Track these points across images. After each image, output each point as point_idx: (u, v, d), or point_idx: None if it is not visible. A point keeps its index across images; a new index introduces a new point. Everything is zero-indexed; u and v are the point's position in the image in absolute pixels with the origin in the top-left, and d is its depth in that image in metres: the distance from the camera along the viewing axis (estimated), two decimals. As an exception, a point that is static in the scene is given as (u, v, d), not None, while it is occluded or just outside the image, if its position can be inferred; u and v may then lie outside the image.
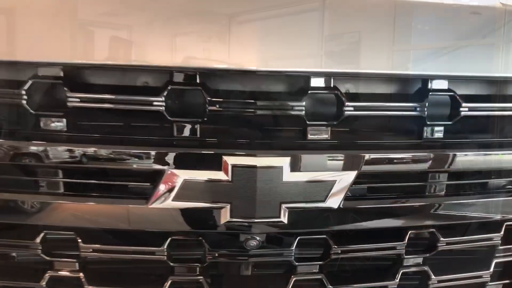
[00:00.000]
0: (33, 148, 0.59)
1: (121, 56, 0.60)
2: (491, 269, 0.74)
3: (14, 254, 0.66)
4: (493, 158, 0.70)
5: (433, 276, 0.71)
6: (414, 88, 0.68)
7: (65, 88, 0.59)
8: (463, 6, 0.80)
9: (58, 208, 0.62)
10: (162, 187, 0.59)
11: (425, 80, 0.66)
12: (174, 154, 0.59)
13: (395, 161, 0.65)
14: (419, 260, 0.71)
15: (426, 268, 0.71)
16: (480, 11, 0.78)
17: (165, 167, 0.59)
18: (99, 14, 0.63)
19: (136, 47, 0.61)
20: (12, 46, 0.60)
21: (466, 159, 0.67)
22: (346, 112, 0.62)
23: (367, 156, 0.62)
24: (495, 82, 0.72)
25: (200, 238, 0.63)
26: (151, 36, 0.61)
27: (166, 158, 0.59)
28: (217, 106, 0.60)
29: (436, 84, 0.66)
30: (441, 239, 0.70)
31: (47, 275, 0.63)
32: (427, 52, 0.68)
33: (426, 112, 0.65)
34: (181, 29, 0.62)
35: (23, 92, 0.59)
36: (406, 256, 0.69)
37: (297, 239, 0.65)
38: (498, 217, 0.73)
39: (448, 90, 0.67)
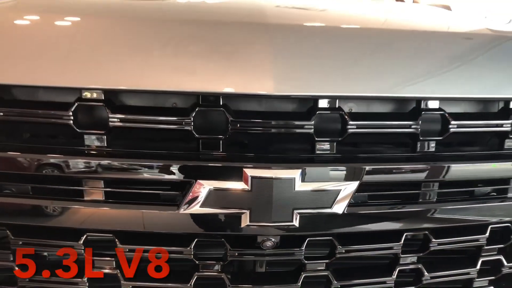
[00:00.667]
0: (80, 162, 0.68)
1: (153, 82, 0.70)
2: (478, 267, 0.83)
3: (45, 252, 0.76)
4: (479, 169, 0.79)
5: (426, 273, 0.80)
6: (409, 107, 0.77)
7: (106, 110, 0.68)
8: (456, 33, 0.90)
9: (98, 213, 0.72)
10: (190, 196, 0.68)
11: (418, 101, 0.76)
12: (201, 167, 0.69)
13: (392, 172, 0.74)
14: (414, 258, 0.80)
15: (420, 266, 0.80)
16: (471, 37, 0.87)
17: (193, 180, 0.68)
18: (132, 46, 0.72)
19: (167, 75, 0.70)
20: (60, 73, 0.70)
21: (455, 170, 0.76)
22: (349, 130, 0.72)
23: (367, 168, 0.72)
24: (481, 102, 0.82)
25: (222, 239, 0.72)
26: (179, 64, 0.71)
27: (194, 170, 0.69)
28: (238, 125, 0.69)
29: (428, 104, 0.76)
30: (433, 240, 0.79)
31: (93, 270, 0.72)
32: (421, 76, 0.77)
33: (419, 129, 0.75)
34: (205, 58, 0.71)
35: (70, 113, 0.68)
36: (402, 255, 0.78)
37: (306, 240, 0.74)
38: (483, 221, 0.82)
39: (439, 109, 0.76)
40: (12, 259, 0.73)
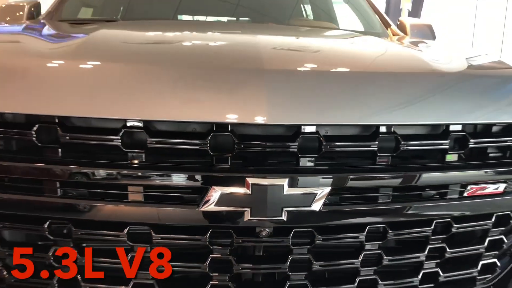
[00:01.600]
0: (126, 173, 0.93)
1: (179, 114, 0.95)
2: (426, 252, 1.08)
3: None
4: (424, 176, 1.04)
5: (385, 257, 1.05)
6: (370, 131, 1.02)
7: (146, 134, 0.93)
8: (407, 73, 1.15)
9: (139, 211, 0.97)
10: (207, 198, 0.93)
11: (377, 126, 1.01)
12: (214, 176, 0.94)
13: (356, 179, 0.99)
14: (375, 246, 1.05)
15: (380, 251, 1.05)
16: (418, 78, 1.13)
17: (209, 186, 0.93)
18: (163, 87, 0.98)
19: (189, 108, 0.95)
20: (111, 108, 0.95)
21: (404, 178, 1.01)
22: (323, 149, 0.97)
23: (337, 177, 0.97)
24: (428, 126, 1.07)
25: (230, 230, 0.97)
26: (198, 100, 0.96)
27: (209, 179, 0.94)
28: (242, 146, 0.94)
29: (384, 128, 1.01)
30: (389, 231, 1.04)
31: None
32: (379, 108, 1.02)
33: (377, 147, 1.00)
34: (218, 96, 0.96)
35: (119, 137, 0.93)
36: (366, 243, 1.03)
37: (293, 231, 0.99)
38: (429, 216, 1.07)
39: (393, 132, 1.01)
40: (72, 245, 0.98)
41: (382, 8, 8.35)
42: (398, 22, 2.54)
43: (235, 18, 2.53)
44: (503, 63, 1.34)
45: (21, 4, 2.31)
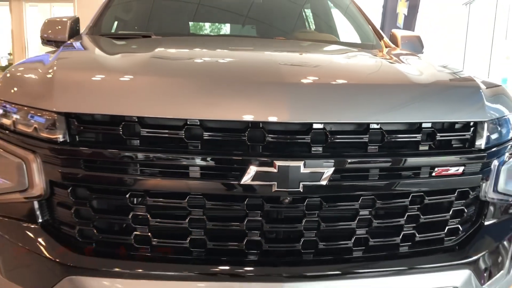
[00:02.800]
0: (188, 158, 1.30)
1: (225, 115, 1.32)
2: (405, 218, 1.45)
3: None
4: (402, 161, 1.41)
5: (374, 221, 1.42)
6: (363, 127, 1.39)
7: (201, 130, 1.30)
8: (391, 85, 1.52)
9: (197, 184, 1.34)
10: (246, 174, 1.29)
11: (368, 124, 1.38)
12: (251, 159, 1.31)
13: (352, 163, 1.36)
14: (367, 212, 1.42)
15: (370, 216, 1.42)
16: (400, 88, 1.50)
17: (251, 168, 1.30)
18: (213, 96, 1.34)
19: (232, 111, 1.32)
20: (176, 109, 1.32)
21: (388, 162, 1.39)
22: (329, 140, 1.34)
23: (337, 161, 1.34)
24: (405, 123, 1.44)
25: (261, 198, 1.34)
26: (239, 106, 1.33)
27: (248, 161, 1.30)
28: (269, 138, 1.31)
29: (373, 126, 1.38)
30: (377, 201, 1.41)
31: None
32: (370, 110, 1.39)
33: (367, 139, 1.37)
34: (254, 104, 1.33)
35: (182, 131, 1.30)
36: (360, 210, 1.40)
37: (306, 200, 1.36)
38: (406, 190, 1.44)
39: (379, 128, 1.38)
40: (145, 211, 1.35)
41: (379, 11, 8.72)
42: (391, 34, 2.91)
43: (249, 28, 2.91)
44: (467, 77, 1.72)
45: (63, 19, 2.66)
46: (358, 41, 2.84)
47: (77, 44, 2.09)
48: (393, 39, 2.81)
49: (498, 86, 1.75)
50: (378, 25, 8.66)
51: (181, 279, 1.33)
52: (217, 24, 3.20)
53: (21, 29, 8.11)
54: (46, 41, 2.69)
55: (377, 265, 1.42)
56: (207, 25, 3.28)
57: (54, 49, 2.72)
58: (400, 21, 8.65)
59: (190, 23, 3.12)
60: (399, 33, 2.86)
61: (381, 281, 1.41)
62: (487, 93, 1.60)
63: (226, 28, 3.09)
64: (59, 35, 2.61)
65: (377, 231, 1.46)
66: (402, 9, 8.61)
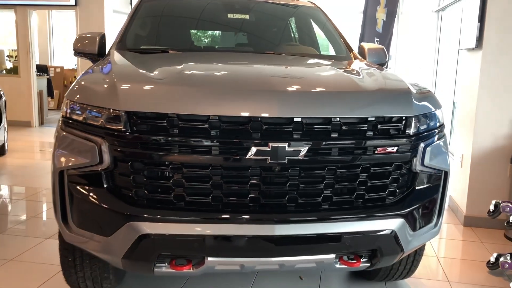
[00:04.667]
0: (209, 140, 1.96)
1: (235, 112, 1.97)
2: (357, 182, 2.11)
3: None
4: (354, 142, 2.07)
5: (336, 183, 2.08)
6: (328, 120, 2.04)
7: (219, 122, 1.96)
8: (349, 91, 2.20)
9: (217, 159, 1.98)
10: (250, 152, 1.95)
11: (331, 118, 2.04)
12: (253, 142, 1.96)
13: (319, 144, 2.02)
14: (331, 177, 2.08)
15: (333, 181, 2.07)
16: (358, 94, 2.18)
17: (253, 148, 1.95)
18: (233, 102, 2.01)
19: (240, 108, 1.98)
20: (200, 108, 1.97)
21: (343, 143, 2.05)
22: (304, 129, 2.00)
23: (310, 142, 2.00)
24: (357, 117, 2.10)
25: (259, 167, 1.99)
26: (243, 105, 1.99)
27: (251, 143, 1.95)
28: (265, 127, 1.97)
29: (334, 119, 2.04)
30: (338, 170, 2.07)
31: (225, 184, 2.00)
32: (334, 108, 2.06)
33: (330, 128, 2.03)
34: (253, 103, 1.99)
35: (206, 123, 1.95)
36: (326, 176, 2.06)
37: (289, 169, 2.02)
38: (357, 163, 2.10)
39: (338, 121, 2.05)
40: (181, 177, 2.00)
41: (359, 17, 9.41)
42: (359, 46, 3.59)
43: (246, 43, 3.58)
44: (403, 84, 2.39)
45: (91, 35, 3.27)
46: (333, 52, 3.52)
47: (117, 58, 2.71)
48: (361, 50, 3.48)
49: (427, 90, 2.44)
50: (359, 30, 9.34)
51: (205, 223, 1.99)
52: (219, 39, 3.85)
53: (26, 34, 8.64)
54: (77, 52, 3.29)
55: (338, 214, 2.09)
56: (212, 40, 3.94)
57: (85, 59, 3.35)
58: (379, 26, 9.38)
59: (198, 40, 3.78)
60: (366, 45, 3.52)
61: (341, 225, 2.08)
62: (417, 96, 2.29)
63: (228, 43, 3.75)
64: (89, 48, 3.21)
65: (338, 191, 2.12)
66: (381, 15, 9.32)
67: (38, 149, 7.49)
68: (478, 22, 3.96)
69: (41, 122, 9.39)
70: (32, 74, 8.96)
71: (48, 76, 10.37)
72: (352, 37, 9.43)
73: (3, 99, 6.36)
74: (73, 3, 8.47)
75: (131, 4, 9.38)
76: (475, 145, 4.13)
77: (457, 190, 4.56)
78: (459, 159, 4.49)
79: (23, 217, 4.16)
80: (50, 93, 10.64)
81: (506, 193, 4.02)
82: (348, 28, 11.04)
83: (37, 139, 8.19)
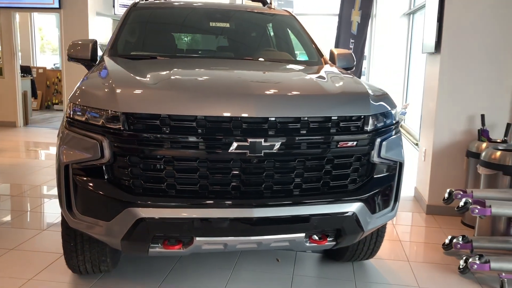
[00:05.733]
0: (196, 137, 2.30)
1: (218, 112, 2.31)
2: (322, 172, 2.48)
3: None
4: (319, 137, 2.43)
5: (305, 173, 2.45)
6: (298, 119, 2.40)
7: (205, 121, 2.30)
8: (316, 94, 2.57)
9: (204, 153, 2.32)
10: (233, 146, 2.29)
11: (300, 117, 2.40)
12: (234, 138, 2.30)
13: (292, 140, 2.37)
14: (301, 167, 2.43)
15: (302, 170, 2.44)
16: (328, 97, 2.55)
17: (234, 143, 2.29)
18: (219, 108, 2.35)
19: (221, 110, 2.32)
20: (189, 109, 2.31)
21: (310, 138, 2.41)
22: (278, 126, 2.35)
23: (283, 138, 2.35)
24: (322, 116, 2.47)
25: (239, 159, 2.33)
26: (226, 106, 2.33)
27: (232, 138, 2.30)
28: (244, 125, 2.32)
29: (302, 118, 2.40)
30: (306, 161, 2.43)
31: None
32: (302, 109, 2.42)
33: (299, 125, 2.38)
34: (234, 105, 2.34)
35: (194, 122, 2.29)
36: (296, 166, 2.41)
37: (265, 161, 2.36)
38: (322, 155, 2.46)
39: (306, 120, 2.41)
40: (172, 169, 2.33)
41: (335, 19, 9.82)
42: (330, 51, 3.96)
43: (227, 49, 3.92)
44: (362, 86, 2.77)
45: (84, 42, 3.57)
46: (306, 57, 3.89)
47: (112, 65, 3.02)
48: (332, 56, 3.86)
49: (383, 92, 2.82)
50: (335, 32, 9.74)
51: (194, 207, 2.33)
52: (203, 46, 4.19)
53: (10, 36, 8.81)
54: (71, 57, 3.58)
55: (307, 199, 2.46)
56: (196, 46, 4.28)
57: (77, 63, 3.64)
58: (354, 28, 9.81)
59: (183, 46, 4.11)
60: (336, 51, 3.90)
61: (310, 208, 2.45)
62: (374, 97, 2.67)
63: (211, 49, 4.09)
64: (82, 54, 3.51)
65: (307, 179, 2.48)
66: (355, 18, 9.75)
67: (25, 149, 7.68)
68: (437, 29, 4.38)
69: (26, 123, 9.55)
70: (16, 75, 9.13)
71: (32, 77, 10.53)
72: (331, 39, 9.85)
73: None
74: (57, 6, 8.67)
75: (113, 6, 9.61)
76: (436, 140, 4.55)
77: (420, 182, 4.99)
78: (422, 153, 4.92)
79: (19, 211, 4.42)
80: (34, 94, 10.79)
81: (463, 184, 4.46)
82: (328, 30, 11.47)
83: (23, 138, 8.37)
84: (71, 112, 2.51)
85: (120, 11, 9.65)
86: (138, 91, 2.44)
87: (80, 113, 2.46)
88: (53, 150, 7.65)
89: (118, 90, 2.41)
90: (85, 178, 2.42)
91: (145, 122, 2.33)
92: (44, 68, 12.17)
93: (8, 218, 4.20)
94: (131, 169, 2.35)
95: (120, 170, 2.37)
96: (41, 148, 7.74)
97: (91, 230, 2.48)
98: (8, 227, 3.96)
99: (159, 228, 2.36)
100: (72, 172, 2.44)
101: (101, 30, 9.64)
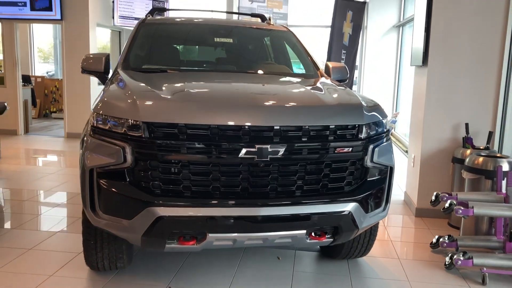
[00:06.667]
0: (209, 144, 2.58)
1: (229, 121, 2.60)
2: (322, 175, 2.77)
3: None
4: (319, 144, 2.73)
5: (306, 176, 2.73)
6: (300, 127, 2.69)
7: (218, 129, 2.58)
8: (316, 105, 2.87)
9: (216, 159, 2.60)
10: (242, 151, 2.59)
11: (302, 126, 2.69)
12: (243, 144, 2.59)
13: (292, 146, 2.66)
14: (303, 171, 2.71)
15: (304, 174, 2.72)
16: (321, 108, 2.85)
17: (243, 149, 2.58)
18: (227, 116, 2.64)
19: (232, 119, 2.61)
20: (202, 119, 2.59)
21: (311, 145, 2.70)
22: (282, 134, 2.64)
23: (286, 144, 2.64)
24: (321, 125, 2.76)
25: (248, 164, 2.61)
26: (235, 117, 2.62)
27: (241, 145, 2.58)
28: (252, 133, 2.61)
29: (304, 127, 2.69)
30: (307, 165, 2.72)
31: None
32: (303, 118, 2.71)
33: (301, 133, 2.68)
34: (242, 116, 2.62)
35: (208, 131, 2.58)
36: (298, 170, 2.70)
37: (271, 165, 2.65)
38: (322, 160, 2.75)
39: (307, 128, 2.69)
40: (187, 171, 2.61)
41: (327, 30, 10.17)
42: (325, 64, 4.27)
43: (228, 61, 4.22)
44: (356, 98, 3.07)
45: (97, 56, 3.85)
46: (303, 70, 4.20)
47: (129, 78, 3.29)
48: (327, 68, 4.17)
49: (375, 103, 3.13)
50: (327, 42, 10.08)
51: (207, 207, 2.61)
52: (209, 60, 4.49)
53: (12, 46, 9.05)
54: (84, 70, 3.86)
55: (307, 199, 2.74)
56: (202, 60, 4.58)
57: (89, 75, 3.90)
58: (346, 39, 10.19)
59: (189, 60, 4.41)
60: (331, 64, 4.21)
61: (310, 207, 2.73)
62: (367, 108, 2.97)
63: (216, 63, 4.38)
64: (96, 67, 3.79)
65: (308, 181, 2.77)
66: (347, 29, 10.12)
67: (28, 156, 7.90)
68: (424, 44, 4.72)
69: (26, 131, 9.76)
70: (18, 85, 9.35)
71: (32, 86, 10.74)
72: (324, 50, 10.20)
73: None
74: (59, 18, 8.93)
75: (113, 18, 9.89)
76: (424, 147, 4.87)
77: (410, 186, 5.30)
78: (411, 160, 5.23)
79: (32, 215, 4.66)
80: (33, 102, 11.00)
81: (449, 187, 4.78)
82: (322, 41, 11.83)
83: (25, 146, 8.58)
84: (95, 122, 2.78)
85: (120, 23, 9.94)
86: (157, 103, 2.72)
87: (103, 122, 2.74)
88: (55, 158, 7.88)
89: (139, 102, 2.69)
90: (108, 181, 2.69)
91: (164, 130, 2.60)
92: (43, 77, 12.39)
93: (22, 221, 4.44)
94: (151, 172, 2.62)
95: (141, 173, 2.64)
96: (44, 155, 7.96)
97: (113, 228, 2.75)
98: (23, 229, 4.19)
99: (176, 225, 2.63)
100: (97, 175, 2.70)
101: (101, 40, 9.90)
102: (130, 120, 2.63)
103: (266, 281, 3.33)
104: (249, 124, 2.60)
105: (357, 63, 10.48)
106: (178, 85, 3.10)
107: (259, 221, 2.64)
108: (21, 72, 9.56)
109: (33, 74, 12.68)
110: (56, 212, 4.74)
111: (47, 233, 4.09)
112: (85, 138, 2.88)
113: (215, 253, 3.71)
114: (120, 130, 2.66)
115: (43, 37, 15.31)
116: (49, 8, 8.86)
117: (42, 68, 14.77)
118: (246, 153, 2.58)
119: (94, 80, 9.04)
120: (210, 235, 2.66)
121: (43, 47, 16.15)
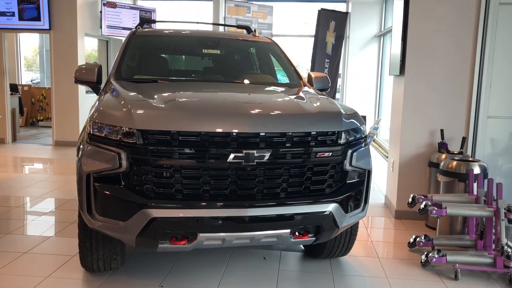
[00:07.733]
0: (199, 149, 2.78)
1: (217, 128, 2.80)
2: (304, 177, 2.99)
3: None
4: (301, 149, 2.94)
5: (290, 179, 2.94)
6: (284, 134, 2.91)
7: (207, 136, 2.78)
8: (298, 113, 3.10)
9: (205, 163, 2.80)
10: (231, 156, 2.78)
11: (286, 132, 2.91)
12: (231, 149, 2.79)
13: (278, 151, 2.87)
14: (287, 174, 2.93)
15: (287, 177, 2.93)
16: (309, 116, 3.07)
17: (231, 154, 2.78)
18: (215, 125, 2.84)
19: (220, 127, 2.81)
20: (193, 126, 2.79)
21: (294, 150, 2.92)
22: (267, 140, 2.85)
23: (272, 150, 2.85)
24: (303, 132, 2.98)
25: (236, 168, 2.81)
26: (224, 124, 2.83)
27: (229, 150, 2.78)
28: (240, 139, 2.81)
29: (288, 133, 2.91)
30: (291, 169, 2.93)
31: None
32: (286, 125, 2.93)
33: (285, 139, 2.89)
34: (230, 124, 2.83)
35: (198, 137, 2.77)
36: (283, 173, 2.91)
37: (257, 169, 2.85)
38: (304, 164, 2.96)
39: (290, 134, 2.91)
40: (179, 175, 2.80)
41: (311, 40, 10.45)
42: (308, 74, 4.51)
43: (215, 71, 4.43)
44: (335, 106, 3.30)
45: (90, 66, 4.03)
46: (287, 80, 4.42)
47: (122, 88, 3.48)
48: (310, 78, 4.41)
49: (354, 111, 3.37)
50: (311, 51, 10.36)
51: (197, 208, 2.80)
52: (197, 70, 4.70)
53: (1, 56, 9.13)
54: (77, 80, 4.04)
55: (292, 200, 2.95)
56: (191, 70, 4.78)
57: (83, 86, 4.09)
58: (329, 48, 10.49)
59: (179, 70, 4.61)
60: (313, 74, 4.45)
61: (294, 208, 2.94)
62: (345, 115, 3.20)
63: (204, 73, 4.59)
64: (88, 77, 3.97)
65: (291, 184, 2.98)
66: (330, 39, 10.43)
67: (16, 164, 7.98)
68: (401, 55, 4.99)
69: (14, 139, 9.82)
70: (6, 93, 9.43)
71: (19, 95, 10.81)
72: (308, 59, 10.48)
73: None
74: (47, 27, 9.05)
75: (101, 27, 10.04)
76: (402, 152, 5.13)
77: (389, 190, 5.55)
78: (391, 164, 5.49)
79: (24, 220, 4.78)
80: (21, 111, 11.06)
81: (426, 190, 5.03)
82: (306, 51, 12.12)
83: (13, 154, 8.65)
84: (91, 129, 2.96)
85: (107, 32, 10.10)
86: (150, 111, 2.91)
87: (99, 130, 2.91)
88: (43, 166, 7.97)
89: (133, 110, 2.88)
90: (104, 185, 2.86)
91: (157, 137, 2.79)
92: (29, 86, 12.45)
93: (15, 226, 4.56)
94: (144, 176, 2.80)
95: (135, 177, 2.82)
96: (32, 163, 8.05)
97: (109, 229, 2.92)
98: (17, 234, 4.32)
99: (169, 226, 2.81)
100: (93, 180, 2.87)
101: (89, 50, 10.03)
102: (125, 128, 2.81)
103: (253, 280, 3.52)
104: (236, 131, 2.80)
105: (340, 71, 10.79)
106: (169, 94, 3.30)
107: (246, 221, 2.84)
108: (9, 81, 9.62)
109: (20, 83, 12.73)
110: (48, 218, 4.87)
111: (41, 237, 4.22)
112: (81, 145, 3.05)
113: (204, 253, 3.89)
114: (115, 137, 2.84)
115: (27, 45, 15.38)
116: (37, 18, 8.99)
117: (27, 76, 14.82)
118: (234, 158, 2.78)
119: (82, 88, 9.17)
120: (200, 235, 2.84)
121: (27, 54, 16.21)
